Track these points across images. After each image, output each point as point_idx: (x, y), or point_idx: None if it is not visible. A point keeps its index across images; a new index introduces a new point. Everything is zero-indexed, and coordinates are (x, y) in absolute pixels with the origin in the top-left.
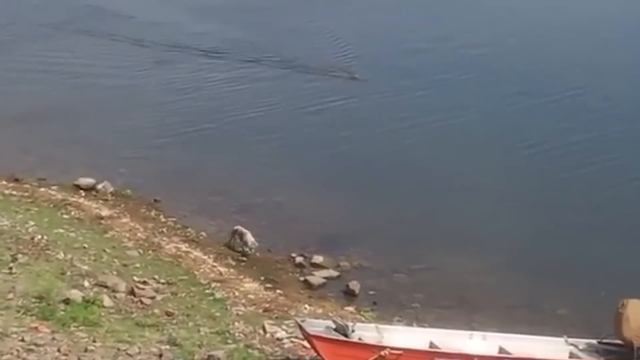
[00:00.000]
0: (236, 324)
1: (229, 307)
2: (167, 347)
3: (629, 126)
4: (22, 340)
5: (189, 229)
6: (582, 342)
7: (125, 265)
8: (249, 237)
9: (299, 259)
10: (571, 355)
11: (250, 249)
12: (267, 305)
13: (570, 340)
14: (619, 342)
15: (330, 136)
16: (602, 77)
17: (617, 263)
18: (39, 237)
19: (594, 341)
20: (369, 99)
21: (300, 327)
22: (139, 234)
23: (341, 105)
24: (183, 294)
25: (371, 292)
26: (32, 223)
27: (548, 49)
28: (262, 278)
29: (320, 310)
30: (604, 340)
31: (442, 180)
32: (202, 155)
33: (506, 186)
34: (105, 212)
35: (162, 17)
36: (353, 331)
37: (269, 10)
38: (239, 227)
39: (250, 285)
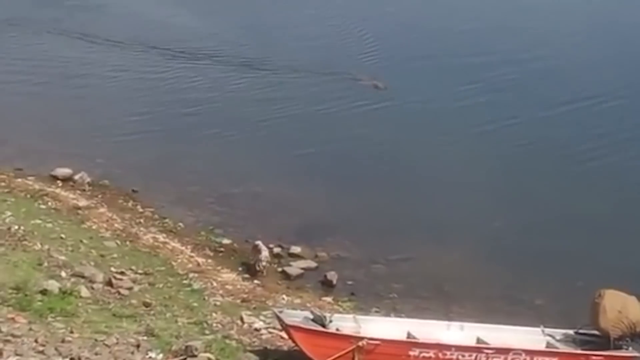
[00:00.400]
0: (214, 314)
1: (206, 298)
2: (145, 337)
3: (612, 120)
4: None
5: (167, 220)
6: (559, 333)
7: (102, 256)
8: (264, 254)
9: (276, 250)
10: (548, 345)
11: (263, 266)
12: (245, 295)
13: (547, 330)
14: (596, 332)
15: (310, 129)
16: (589, 69)
17: (593, 254)
18: (16, 227)
19: (571, 331)
20: (349, 95)
21: (278, 318)
22: (116, 225)
23: (320, 100)
24: (161, 285)
25: (349, 283)
26: (9, 213)
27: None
28: (240, 269)
29: (298, 301)
30: (581, 331)
31: (420, 172)
32: (180, 146)
33: (485, 178)
34: (82, 203)
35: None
36: (331, 322)
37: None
38: (259, 243)
39: (228, 275)
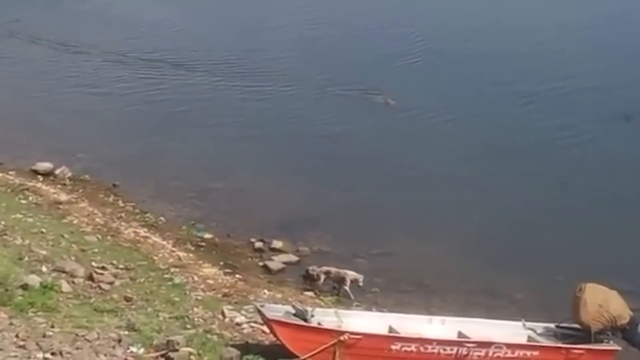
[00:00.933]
0: (195, 309)
1: (188, 292)
2: (126, 332)
3: (594, 114)
4: None
5: (148, 214)
6: (540, 326)
7: (83, 251)
8: (351, 276)
9: (258, 244)
10: (529, 339)
11: (347, 291)
12: (226, 290)
13: (528, 324)
14: (577, 326)
15: (291, 123)
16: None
17: (574, 248)
18: None
19: (552, 325)
20: (330, 90)
21: (260, 312)
22: (97, 219)
23: (302, 94)
24: (142, 279)
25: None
26: None
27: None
28: (221, 263)
29: (279, 295)
30: (562, 324)
31: (402, 167)
32: (161, 140)
33: (466, 173)
34: (63, 197)
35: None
36: (312, 316)
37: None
38: (340, 271)
39: (209, 270)
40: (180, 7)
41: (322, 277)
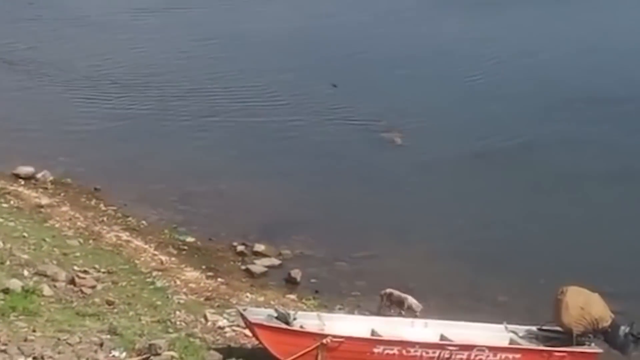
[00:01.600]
0: (177, 312)
1: (170, 296)
2: (108, 336)
3: (578, 116)
4: None
5: (130, 218)
6: (522, 329)
7: (65, 255)
8: (412, 301)
9: (240, 248)
10: (511, 341)
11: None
12: (209, 294)
13: (511, 327)
14: (559, 328)
15: (272, 125)
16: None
17: (556, 251)
18: None
19: (534, 328)
20: (308, 89)
21: (242, 316)
22: (79, 223)
23: (283, 97)
24: (124, 283)
25: (313, 281)
26: None
27: None
28: (204, 267)
29: (261, 299)
30: (544, 327)
31: (384, 169)
32: (143, 144)
33: (446, 175)
34: (45, 201)
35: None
36: (295, 319)
37: None
38: (392, 292)
39: (191, 274)
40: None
41: (384, 298)
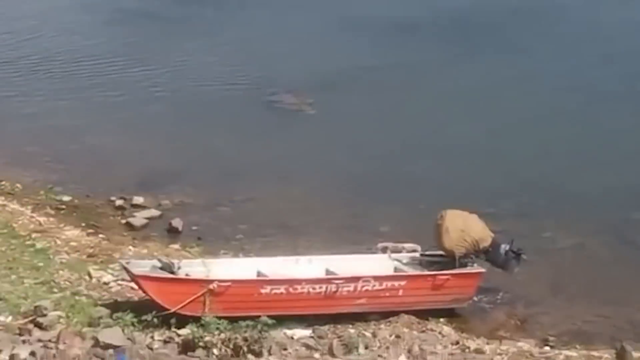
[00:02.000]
0: (61, 272)
1: (52, 257)
2: None
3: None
4: None
5: (3, 182)
6: (405, 256)
7: None
8: (408, 246)
9: (119, 202)
10: (396, 269)
11: None
12: (91, 250)
13: (394, 255)
14: (441, 252)
15: (144, 78)
16: None
17: (433, 177)
18: None
19: (417, 254)
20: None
21: (126, 269)
22: None
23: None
24: (3, 248)
25: (195, 228)
26: None
27: None
28: (83, 224)
29: (145, 251)
30: (427, 252)
31: (258, 111)
32: (10, 106)
33: (320, 110)
34: None
35: None
36: (179, 268)
37: None
38: (386, 245)
39: (71, 232)
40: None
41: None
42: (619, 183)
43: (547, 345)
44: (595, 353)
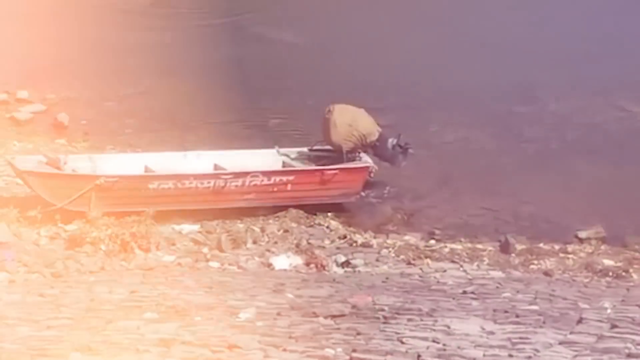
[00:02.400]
0: None
1: None
2: None
3: None
4: None
5: None
6: (293, 151)
7: None
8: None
9: (2, 96)
10: (284, 164)
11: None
12: None
13: (283, 150)
14: (329, 147)
15: None
16: None
17: (321, 71)
18: None
19: (305, 149)
20: None
21: (11, 165)
22: None
23: None
24: None
25: (82, 123)
26: None
27: None
28: None
29: (30, 146)
30: (315, 147)
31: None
32: None
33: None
34: None
35: None
36: (66, 163)
37: None
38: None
39: None
40: None
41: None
42: (502, 77)
43: (433, 238)
44: (479, 245)
